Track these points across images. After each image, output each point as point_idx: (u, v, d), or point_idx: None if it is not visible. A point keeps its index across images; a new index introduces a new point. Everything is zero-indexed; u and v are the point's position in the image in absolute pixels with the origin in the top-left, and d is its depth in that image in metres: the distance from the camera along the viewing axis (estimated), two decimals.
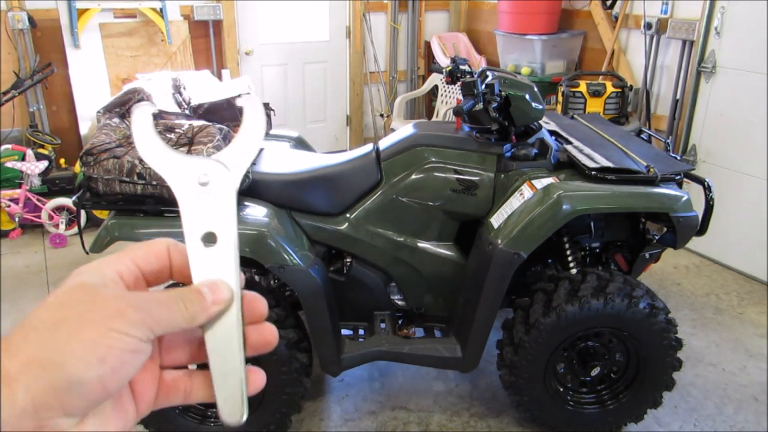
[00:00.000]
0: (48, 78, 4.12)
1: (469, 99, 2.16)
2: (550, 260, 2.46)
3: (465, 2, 5.71)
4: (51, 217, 3.99)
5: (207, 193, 0.46)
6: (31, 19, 4.15)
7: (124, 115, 2.09)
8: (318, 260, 2.18)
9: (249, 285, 2.18)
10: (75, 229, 4.04)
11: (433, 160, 2.26)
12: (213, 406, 1.96)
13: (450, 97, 5.11)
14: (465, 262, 2.31)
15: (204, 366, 0.46)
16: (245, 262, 2.30)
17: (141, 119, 0.46)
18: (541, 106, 2.24)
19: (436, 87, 5.24)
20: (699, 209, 2.17)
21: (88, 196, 1.99)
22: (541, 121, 2.35)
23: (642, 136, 2.63)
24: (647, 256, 2.38)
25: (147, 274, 0.46)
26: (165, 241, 0.48)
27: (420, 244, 2.32)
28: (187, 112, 2.41)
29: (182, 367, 0.47)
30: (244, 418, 0.45)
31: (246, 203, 2.13)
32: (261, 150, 2.49)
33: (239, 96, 0.51)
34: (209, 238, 0.46)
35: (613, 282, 2.12)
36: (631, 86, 4.08)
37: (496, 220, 2.15)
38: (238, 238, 0.46)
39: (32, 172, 3.90)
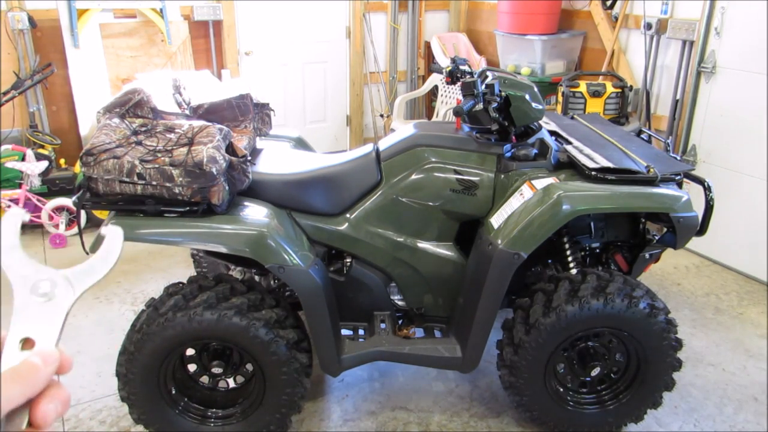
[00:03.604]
0: (48, 78, 4.12)
1: (469, 99, 2.16)
2: (550, 260, 2.46)
3: (465, 2, 5.71)
4: (51, 218, 3.99)
5: (43, 303, 0.49)
6: (31, 19, 4.15)
7: (124, 116, 2.09)
8: (318, 260, 2.18)
9: (249, 285, 2.17)
10: (75, 230, 4.04)
11: (433, 160, 2.26)
12: (213, 406, 1.95)
13: (450, 98, 5.11)
14: (465, 262, 2.31)
15: None
16: (245, 262, 2.30)
17: (9, 224, 0.51)
18: (541, 107, 2.24)
19: (436, 87, 5.24)
20: (699, 209, 2.17)
21: (88, 196, 1.99)
22: (541, 122, 2.35)
23: (642, 136, 2.62)
24: (647, 256, 2.38)
25: None
26: None
27: (420, 245, 2.32)
28: (187, 112, 2.41)
29: None
30: None
31: (246, 203, 2.13)
32: (261, 150, 2.49)
33: (105, 227, 0.56)
34: (27, 344, 0.49)
35: (613, 282, 2.12)
36: (631, 86, 4.08)
37: (496, 220, 2.15)
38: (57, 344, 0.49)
39: (32, 173, 3.90)
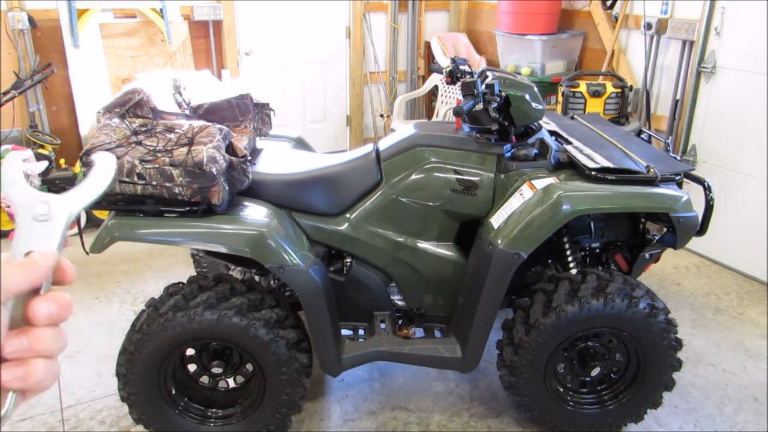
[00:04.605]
0: (48, 78, 4.12)
1: (469, 99, 2.16)
2: (550, 260, 2.46)
3: (465, 2, 5.71)
4: None
5: (42, 223, 0.55)
6: (31, 19, 4.15)
7: (124, 116, 2.09)
8: (318, 260, 2.18)
9: (249, 285, 2.17)
10: (75, 230, 4.03)
11: (433, 160, 2.26)
12: (213, 406, 1.98)
13: (450, 97, 5.11)
14: (465, 262, 2.31)
15: None
16: (245, 262, 2.30)
17: (11, 162, 0.57)
18: (541, 106, 2.24)
19: (436, 87, 5.24)
20: (699, 209, 2.17)
21: None
22: (541, 122, 2.35)
23: (642, 136, 2.62)
24: (647, 256, 2.38)
25: None
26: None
27: (420, 245, 2.32)
28: (187, 112, 2.41)
29: None
30: None
31: (246, 203, 2.13)
32: (261, 150, 2.49)
33: (96, 153, 0.60)
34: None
35: (613, 282, 2.12)
36: (631, 86, 4.08)
37: (496, 220, 2.15)
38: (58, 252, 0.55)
39: (32, 173, 3.90)
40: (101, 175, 0.59)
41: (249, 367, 2.24)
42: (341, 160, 2.37)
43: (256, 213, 2.09)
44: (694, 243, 3.58)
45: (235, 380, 2.30)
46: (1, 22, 4.10)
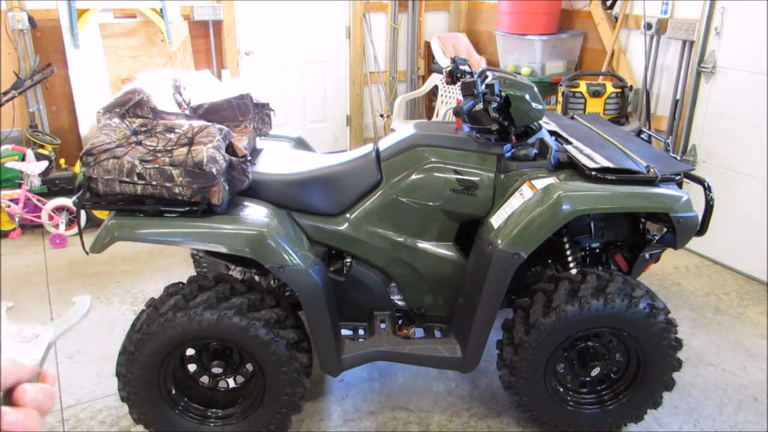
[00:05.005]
0: (48, 78, 4.12)
1: (469, 99, 2.16)
2: (550, 260, 2.46)
3: (465, 2, 5.71)
4: (51, 218, 3.99)
5: (26, 342, 0.66)
6: (31, 19, 4.15)
7: (124, 116, 2.09)
8: (318, 260, 2.18)
9: (249, 285, 2.18)
10: (75, 230, 4.04)
11: (433, 160, 2.26)
12: (213, 406, 2.02)
13: (450, 97, 5.12)
14: (465, 262, 2.31)
15: None
16: (245, 262, 2.30)
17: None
18: (541, 106, 2.24)
19: (436, 87, 5.24)
20: (699, 209, 2.17)
21: (88, 196, 1.99)
22: (541, 122, 2.35)
23: (642, 136, 2.62)
24: (647, 256, 2.38)
25: None
26: None
27: (420, 245, 2.33)
28: (187, 112, 2.41)
29: None
30: None
31: (246, 203, 2.13)
32: (261, 150, 2.49)
33: (77, 297, 0.74)
34: None
35: (613, 282, 2.12)
36: (631, 86, 4.08)
37: (496, 220, 2.15)
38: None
39: (32, 173, 3.90)
40: (78, 312, 0.72)
41: (249, 367, 2.24)
42: (341, 160, 2.37)
43: (256, 213, 2.09)
44: (694, 243, 3.58)
45: (235, 380, 2.30)
46: (1, 22, 4.10)
